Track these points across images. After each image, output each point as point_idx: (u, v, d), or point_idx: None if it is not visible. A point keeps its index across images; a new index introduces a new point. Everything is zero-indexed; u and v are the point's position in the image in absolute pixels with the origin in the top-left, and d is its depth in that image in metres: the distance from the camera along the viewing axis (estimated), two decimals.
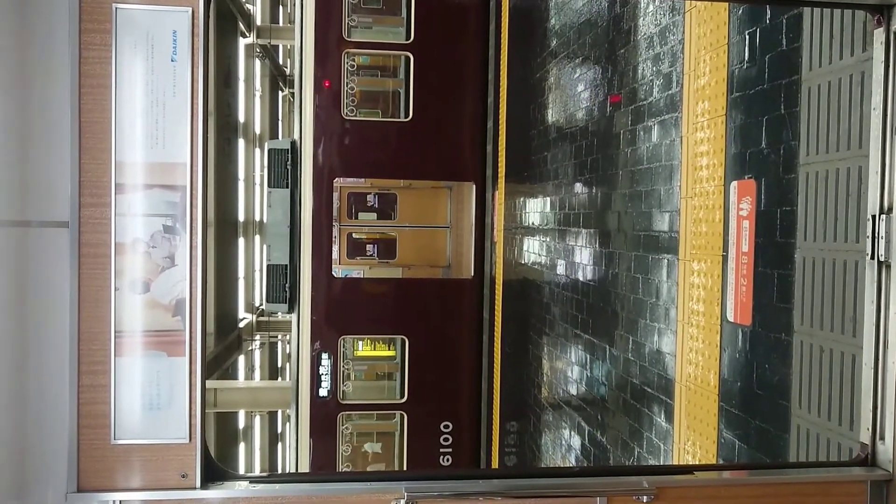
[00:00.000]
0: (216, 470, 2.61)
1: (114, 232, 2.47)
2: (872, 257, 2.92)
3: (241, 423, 22.07)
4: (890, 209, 2.87)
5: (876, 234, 2.90)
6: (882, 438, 2.91)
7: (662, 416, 5.31)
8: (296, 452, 12.33)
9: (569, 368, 7.52)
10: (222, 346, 18.58)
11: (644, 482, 2.74)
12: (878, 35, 2.92)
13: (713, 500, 2.80)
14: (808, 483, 2.91)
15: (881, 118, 2.91)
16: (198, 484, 2.54)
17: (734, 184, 4.39)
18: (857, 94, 3.37)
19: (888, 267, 2.87)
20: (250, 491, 2.58)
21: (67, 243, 2.43)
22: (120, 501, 2.51)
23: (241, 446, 22.14)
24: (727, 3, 4.40)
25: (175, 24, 2.48)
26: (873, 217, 2.92)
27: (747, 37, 4.26)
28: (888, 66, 2.88)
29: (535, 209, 9.09)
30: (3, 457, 2.26)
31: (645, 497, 2.71)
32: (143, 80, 2.48)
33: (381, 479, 2.71)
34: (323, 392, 12.09)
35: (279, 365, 26.26)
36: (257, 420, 24.12)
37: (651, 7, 5.63)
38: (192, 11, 2.49)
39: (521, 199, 9.86)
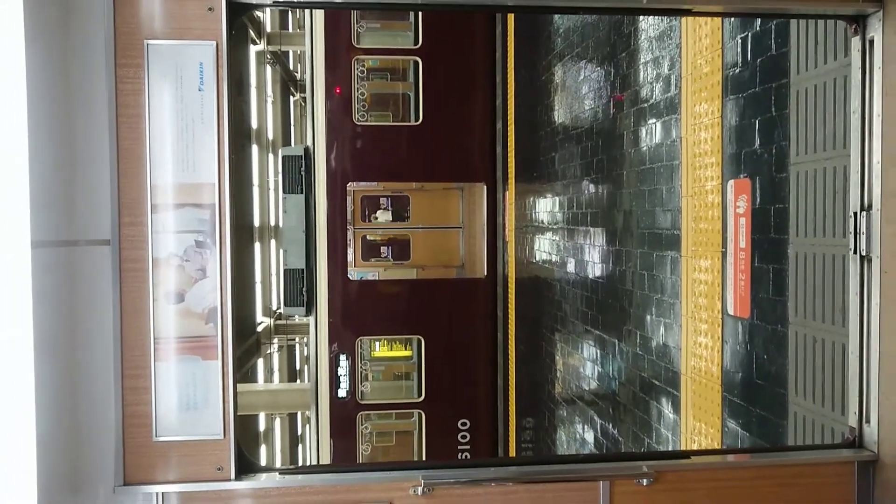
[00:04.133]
0: (248, 463, 2.85)
1: (151, 248, 2.71)
2: (855, 252, 3.11)
3: (262, 426, 22.39)
4: (870, 206, 3.06)
5: (857, 230, 3.09)
6: (868, 421, 3.10)
7: (670, 407, 5.50)
8: (317, 452, 12.59)
9: (580, 363, 7.72)
10: (241, 350, 18.86)
11: (644, 466, 2.95)
12: (855, 43, 3.11)
13: (709, 482, 3.00)
14: (799, 465, 3.11)
15: (860, 120, 3.09)
16: (232, 476, 2.78)
17: (731, 182, 4.58)
18: (841, 97, 3.56)
19: (869, 261, 3.06)
20: (280, 481, 2.82)
21: (110, 259, 2.68)
22: (162, 493, 2.76)
23: (263, 449, 22.45)
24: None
25: (201, 57, 2.72)
26: (855, 214, 3.11)
27: (739, 42, 4.45)
28: (865, 71, 3.07)
29: (545, 209, 9.29)
30: (58, 455, 2.50)
31: (645, 480, 2.92)
32: (173, 108, 2.72)
33: (400, 468, 2.94)
34: (342, 393, 12.33)
35: (298, 367, 26.57)
36: (277, 422, 24.43)
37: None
38: (217, 44, 2.73)
39: (531, 198, 10.06)
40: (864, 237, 3.07)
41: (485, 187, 12.52)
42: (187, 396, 2.76)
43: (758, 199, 4.28)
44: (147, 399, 2.74)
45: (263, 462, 22.14)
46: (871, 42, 3.04)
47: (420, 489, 2.82)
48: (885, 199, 2.99)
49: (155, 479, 2.75)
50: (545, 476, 2.98)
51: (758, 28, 4.26)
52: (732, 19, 4.53)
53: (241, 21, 2.87)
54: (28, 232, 2.27)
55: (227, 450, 2.79)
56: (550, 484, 2.95)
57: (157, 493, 2.75)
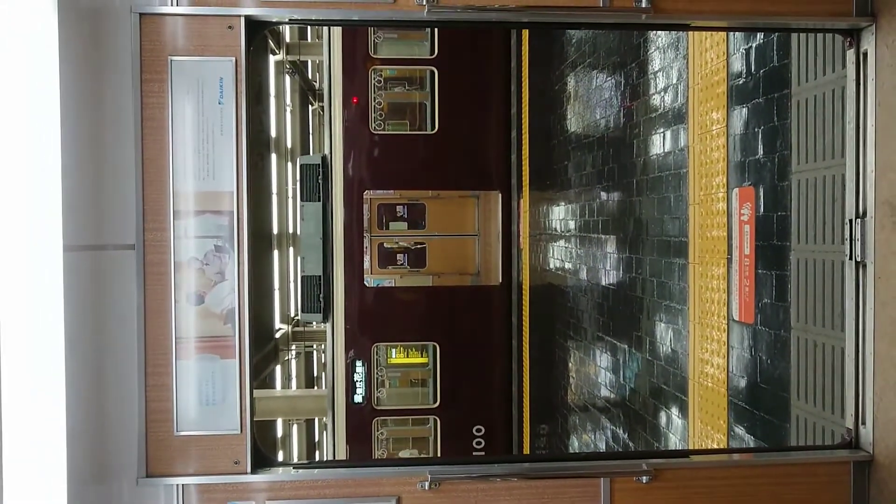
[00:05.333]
0: (264, 457, 3.00)
1: (172, 252, 2.87)
2: (850, 258, 3.21)
3: (279, 433, 22.57)
4: (864, 213, 3.16)
5: (853, 237, 3.19)
6: (864, 423, 3.19)
7: (679, 412, 5.59)
8: (333, 457, 12.73)
9: (592, 370, 7.81)
10: (259, 357, 19.05)
11: (643, 464, 3.06)
12: (850, 55, 3.22)
13: (707, 480, 3.10)
14: (796, 465, 3.20)
15: (855, 130, 3.20)
16: (249, 469, 2.92)
17: (736, 190, 4.67)
18: (839, 107, 3.65)
19: (864, 267, 3.15)
20: (294, 475, 2.96)
21: (135, 263, 2.85)
22: (182, 485, 2.91)
23: (280, 454, 22.62)
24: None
25: (221, 72, 2.88)
26: (850, 221, 3.21)
27: (743, 53, 4.55)
28: (859, 83, 3.18)
29: (558, 216, 9.40)
30: (86, 447, 2.65)
31: (644, 478, 3.03)
32: (195, 120, 2.88)
33: (409, 464, 3.07)
34: (358, 399, 12.46)
35: (315, 374, 26.76)
36: (295, 429, 24.61)
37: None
38: (236, 60, 2.89)
39: (545, 206, 10.17)
40: (858, 244, 3.17)
41: (500, 195, 12.65)
42: (206, 393, 2.91)
43: (761, 207, 4.38)
44: (168, 395, 2.89)
45: None
46: (865, 55, 3.15)
47: (427, 484, 2.94)
48: (879, 206, 3.09)
49: (175, 472, 2.90)
50: (548, 472, 3.10)
51: (760, 40, 4.36)
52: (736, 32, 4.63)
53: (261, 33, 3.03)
54: (60, 237, 2.43)
55: (243, 444, 2.93)
56: (553, 480, 3.06)
57: (177, 485, 2.90)
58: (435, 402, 12.71)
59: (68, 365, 2.49)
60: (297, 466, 3.03)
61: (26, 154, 2.42)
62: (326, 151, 12.34)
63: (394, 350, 14.73)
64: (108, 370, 2.80)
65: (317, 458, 25.79)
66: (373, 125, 12.27)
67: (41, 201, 2.42)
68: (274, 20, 2.98)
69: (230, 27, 2.89)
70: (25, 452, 2.47)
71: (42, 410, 2.49)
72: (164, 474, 2.90)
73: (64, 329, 2.46)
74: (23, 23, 2.41)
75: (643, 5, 2.98)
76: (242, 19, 2.90)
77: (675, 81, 5.61)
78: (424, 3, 2.89)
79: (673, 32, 5.60)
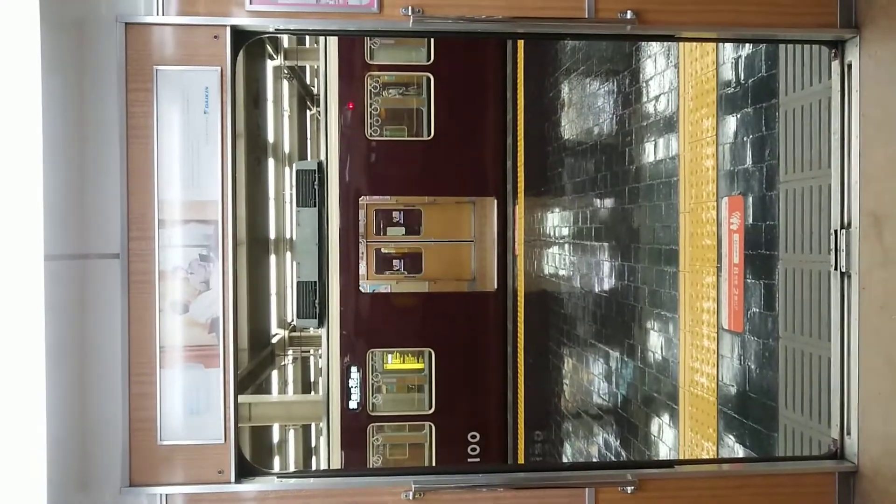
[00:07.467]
0: (248, 467, 2.99)
1: (157, 261, 2.87)
2: (836, 268, 3.21)
3: (276, 437, 22.53)
4: (849, 224, 3.16)
5: (838, 248, 3.20)
6: (849, 433, 3.19)
7: (669, 421, 5.58)
8: (328, 464, 12.70)
9: (584, 377, 7.80)
10: (256, 362, 19.03)
11: (628, 475, 3.06)
12: (835, 67, 3.23)
13: (691, 490, 3.10)
14: (782, 475, 3.20)
15: (840, 141, 3.21)
16: (232, 479, 2.92)
17: (725, 199, 4.68)
18: (826, 118, 3.66)
19: (849, 277, 3.16)
20: (278, 484, 2.95)
21: (119, 272, 2.84)
22: (166, 495, 2.90)
23: (276, 460, 22.58)
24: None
25: (206, 82, 2.89)
26: (835, 232, 3.22)
27: (732, 63, 4.57)
28: (844, 94, 3.19)
29: (551, 223, 9.41)
30: (67, 456, 2.65)
31: (629, 488, 3.03)
32: (180, 130, 2.89)
33: (393, 474, 3.06)
34: (353, 405, 12.45)
35: (312, 379, 26.72)
36: (291, 434, 24.57)
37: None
38: (221, 70, 2.90)
39: (539, 213, 10.18)
40: (843, 254, 3.17)
41: (495, 201, 12.65)
42: (190, 402, 2.91)
43: (750, 216, 4.38)
44: (152, 404, 2.89)
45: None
46: (850, 66, 3.16)
47: (411, 494, 2.94)
48: (863, 217, 3.09)
49: (159, 481, 2.90)
50: (533, 483, 3.10)
51: (749, 50, 4.38)
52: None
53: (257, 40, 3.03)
54: (41, 246, 2.43)
55: (227, 454, 2.93)
56: (538, 490, 3.06)
57: (160, 495, 2.89)
58: (430, 408, 12.69)
59: (49, 374, 2.49)
60: (281, 476, 3.02)
61: (6, 162, 2.42)
62: (322, 157, 12.36)
63: (389, 356, 14.72)
64: (91, 379, 2.80)
65: (313, 464, 25.73)
66: (369, 131, 12.28)
67: (22, 210, 2.42)
68: (259, 30, 2.98)
69: (216, 37, 2.90)
70: (4, 461, 2.47)
71: (22, 419, 2.48)
72: (148, 483, 2.89)
73: (45, 338, 2.46)
74: (5, 31, 2.41)
75: (628, 17, 2.99)
76: (228, 29, 2.91)
77: (666, 90, 5.62)
78: (409, 13, 2.90)
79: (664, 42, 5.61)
